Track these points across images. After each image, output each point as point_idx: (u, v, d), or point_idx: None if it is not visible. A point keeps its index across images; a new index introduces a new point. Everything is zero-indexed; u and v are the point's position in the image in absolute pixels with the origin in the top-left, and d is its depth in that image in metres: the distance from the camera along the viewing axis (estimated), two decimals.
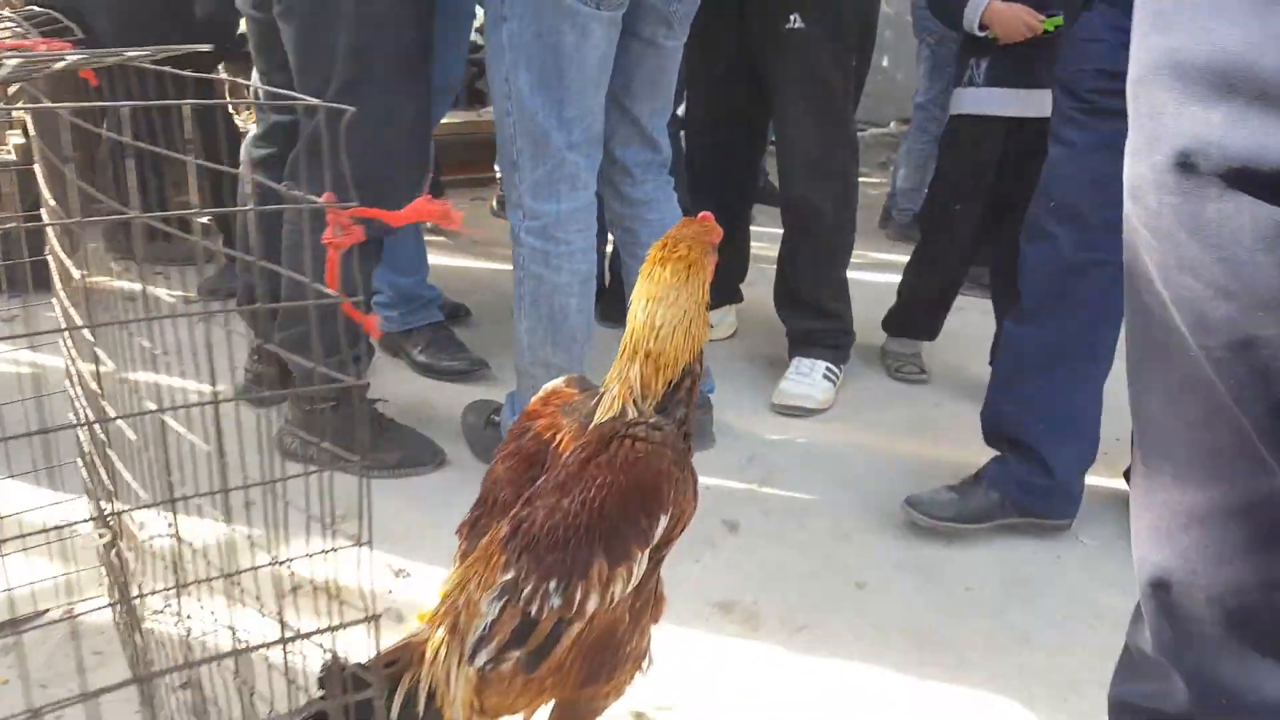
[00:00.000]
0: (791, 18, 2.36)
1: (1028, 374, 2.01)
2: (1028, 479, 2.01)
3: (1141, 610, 0.87)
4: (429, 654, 1.09)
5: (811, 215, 2.54)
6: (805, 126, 2.46)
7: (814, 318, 2.64)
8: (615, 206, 2.20)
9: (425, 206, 0.79)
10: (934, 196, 2.83)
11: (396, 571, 1.83)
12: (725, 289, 2.93)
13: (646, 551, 1.04)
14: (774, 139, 2.79)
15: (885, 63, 6.41)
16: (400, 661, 1.09)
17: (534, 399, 1.21)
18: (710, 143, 2.75)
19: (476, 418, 2.24)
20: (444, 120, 4.22)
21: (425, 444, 2.17)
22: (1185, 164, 0.63)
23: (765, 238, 3.45)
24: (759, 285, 3.09)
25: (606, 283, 2.89)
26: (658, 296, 1.09)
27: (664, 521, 1.04)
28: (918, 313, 2.81)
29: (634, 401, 1.07)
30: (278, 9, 1.82)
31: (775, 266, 2.74)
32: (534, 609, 1.02)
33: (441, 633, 1.08)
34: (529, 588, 1.03)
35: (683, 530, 1.10)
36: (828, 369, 2.61)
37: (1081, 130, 1.83)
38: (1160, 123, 0.66)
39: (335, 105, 0.72)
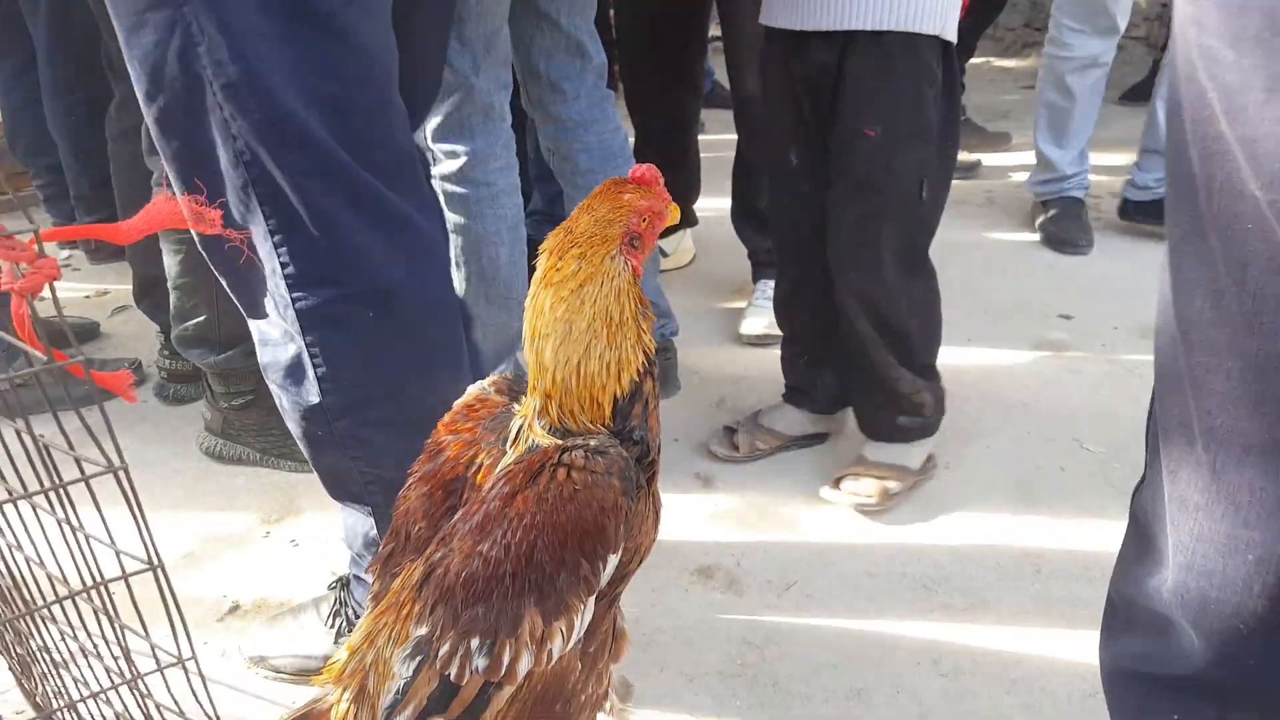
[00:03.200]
0: None
1: None
2: None
3: (1131, 553, 0.75)
4: None
5: None
6: (755, 12, 2.18)
7: None
8: (548, 131, 1.93)
9: (164, 208, 0.56)
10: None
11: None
12: (683, 212, 2.68)
13: (591, 599, 0.84)
14: (718, 33, 2.50)
15: None
16: None
17: (457, 403, 1.00)
18: (644, 48, 2.46)
19: None
20: None
21: None
22: None
23: (720, 146, 3.20)
24: (715, 199, 2.86)
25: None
26: (543, 332, 0.85)
27: (612, 562, 0.84)
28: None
29: (546, 433, 0.86)
30: None
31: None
32: (453, 671, 0.83)
33: (347, 699, 0.89)
34: (445, 647, 0.84)
35: (640, 563, 0.90)
36: None
37: None
38: None
39: None
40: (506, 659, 0.82)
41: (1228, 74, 0.51)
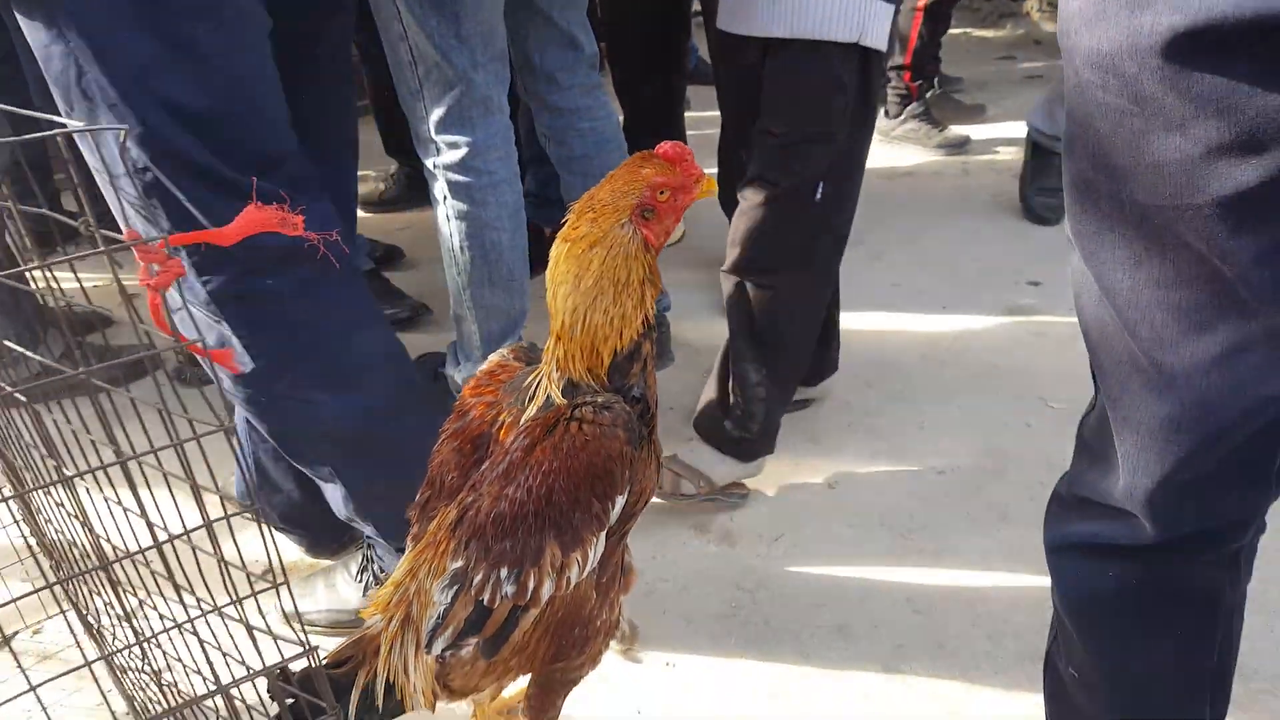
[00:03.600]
0: None
1: None
2: None
3: (1081, 465, 0.96)
4: (383, 647, 1.04)
5: None
6: None
7: None
8: (544, 120, 2.05)
9: (256, 216, 0.69)
10: None
11: None
12: None
13: (602, 534, 0.98)
14: (700, 10, 2.61)
15: None
16: (354, 659, 1.05)
17: (480, 370, 1.13)
18: (628, 30, 2.57)
19: (422, 373, 2.16)
20: None
21: None
22: (1190, 33, 0.63)
23: (705, 123, 3.31)
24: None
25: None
26: (557, 280, 0.98)
27: (620, 503, 0.98)
28: None
29: (559, 388, 0.99)
30: None
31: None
32: (486, 597, 0.97)
33: (395, 624, 1.03)
34: (479, 576, 0.98)
35: (645, 506, 1.04)
36: None
37: None
38: None
39: (100, 128, 0.61)
40: (531, 585, 0.96)
41: (1133, 121, 0.70)
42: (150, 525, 0.74)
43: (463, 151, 1.78)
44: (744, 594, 1.59)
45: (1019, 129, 3.74)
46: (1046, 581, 1.57)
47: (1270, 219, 0.67)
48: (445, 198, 1.83)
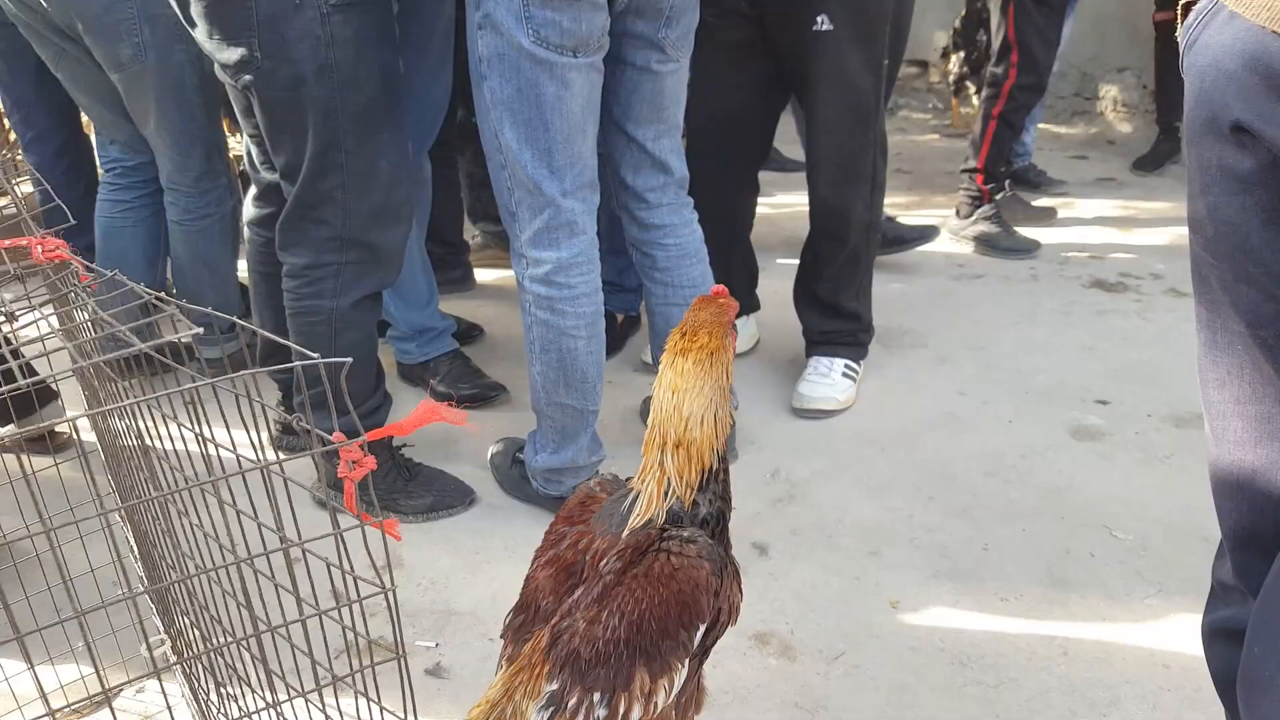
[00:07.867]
0: (819, 19, 2.24)
1: None
2: None
3: (1223, 547, 1.07)
4: None
5: (838, 218, 2.48)
6: (835, 129, 2.39)
7: (833, 318, 2.60)
8: (632, 231, 2.18)
9: (429, 410, 0.79)
10: None
11: (432, 647, 1.85)
12: (740, 299, 2.86)
13: (688, 660, 1.06)
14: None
15: None
16: None
17: (570, 500, 1.23)
18: (713, 150, 2.67)
19: (503, 457, 2.26)
20: None
21: (455, 485, 2.19)
22: (1231, 202, 0.85)
23: (773, 222, 3.40)
24: (772, 275, 3.06)
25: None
26: (683, 387, 1.11)
27: (702, 629, 1.06)
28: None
29: (667, 495, 1.09)
30: (241, 80, 1.80)
31: (796, 260, 2.69)
32: None
33: None
34: (574, 700, 1.06)
35: (725, 629, 1.11)
36: (846, 366, 2.59)
37: None
38: (1208, 174, 0.89)
39: (333, 360, 0.71)
40: (622, 710, 1.04)
41: (1201, 248, 0.94)
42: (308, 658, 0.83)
43: (548, 267, 1.91)
44: (803, 713, 1.63)
45: (1089, 234, 3.79)
46: None
47: None
48: (530, 306, 1.96)
